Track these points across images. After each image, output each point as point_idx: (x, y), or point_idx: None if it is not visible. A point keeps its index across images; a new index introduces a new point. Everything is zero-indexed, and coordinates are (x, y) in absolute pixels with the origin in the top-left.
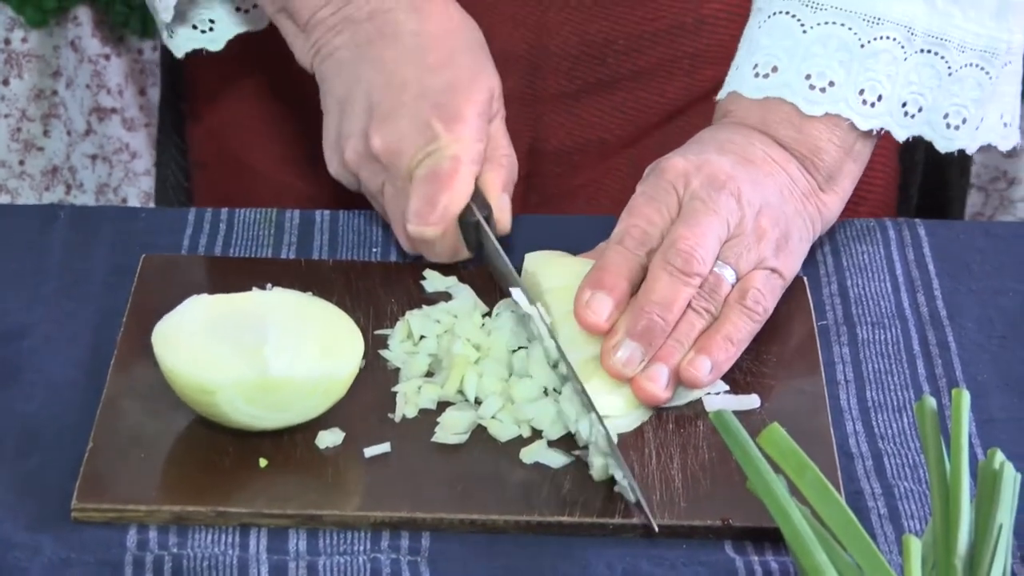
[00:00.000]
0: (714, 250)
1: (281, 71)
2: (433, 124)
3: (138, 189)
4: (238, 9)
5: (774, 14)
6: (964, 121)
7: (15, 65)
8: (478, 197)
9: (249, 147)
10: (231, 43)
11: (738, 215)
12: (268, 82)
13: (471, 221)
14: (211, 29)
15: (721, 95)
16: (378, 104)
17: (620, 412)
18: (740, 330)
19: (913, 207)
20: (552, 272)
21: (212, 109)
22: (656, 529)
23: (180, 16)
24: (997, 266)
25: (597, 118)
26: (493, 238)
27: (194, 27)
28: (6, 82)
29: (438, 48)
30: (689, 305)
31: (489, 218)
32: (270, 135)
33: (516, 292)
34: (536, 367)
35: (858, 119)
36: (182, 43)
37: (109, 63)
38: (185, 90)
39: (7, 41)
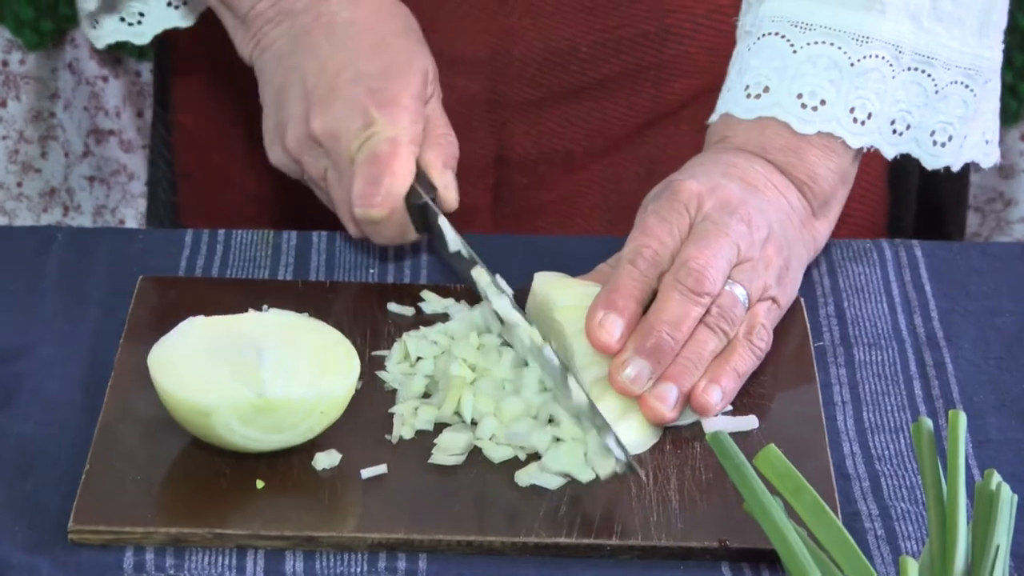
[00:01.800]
0: (724, 271)
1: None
2: (369, 109)
3: (136, 211)
4: (169, 4)
5: (764, 35)
6: (950, 138)
7: (13, 87)
8: (422, 178)
9: (229, 158)
10: (212, 52)
11: (748, 240)
12: (247, 95)
13: (417, 203)
14: (139, 22)
15: (713, 118)
16: (314, 89)
17: (631, 436)
18: (746, 363)
19: (909, 230)
20: (562, 293)
21: (194, 120)
22: (640, 472)
23: (109, 5)
24: (994, 287)
25: (562, 127)
26: (443, 220)
27: (122, 19)
28: (4, 104)
29: (370, 34)
30: (703, 323)
31: (435, 199)
32: (248, 147)
33: (476, 271)
34: (527, 386)
35: (849, 137)
36: (106, 34)
37: (107, 85)
38: (170, 102)
39: (5, 63)
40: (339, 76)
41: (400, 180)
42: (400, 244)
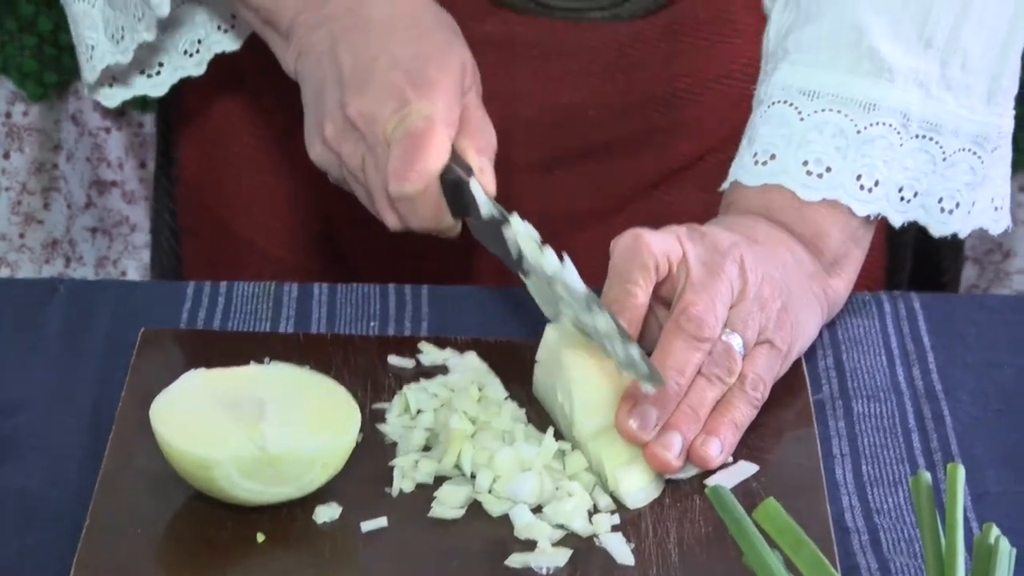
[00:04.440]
0: (722, 316)
1: (269, 139)
2: (405, 90)
3: (138, 262)
4: (185, 52)
5: (773, 104)
6: (957, 205)
7: (16, 138)
8: (457, 159)
9: (235, 215)
10: (220, 111)
11: (740, 282)
12: (256, 152)
13: (452, 179)
14: (158, 73)
15: (724, 186)
16: (350, 77)
17: (636, 486)
18: (744, 414)
19: (905, 282)
20: (571, 343)
21: (199, 176)
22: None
23: (139, 63)
24: (992, 339)
25: (568, 188)
26: (475, 184)
27: (141, 71)
28: (7, 155)
29: (408, 26)
30: (700, 373)
31: (471, 178)
32: (256, 204)
33: (516, 221)
34: (519, 437)
35: (856, 204)
36: (121, 93)
37: (109, 136)
38: (175, 156)
39: (8, 115)
40: (376, 62)
41: (435, 156)
42: (437, 233)
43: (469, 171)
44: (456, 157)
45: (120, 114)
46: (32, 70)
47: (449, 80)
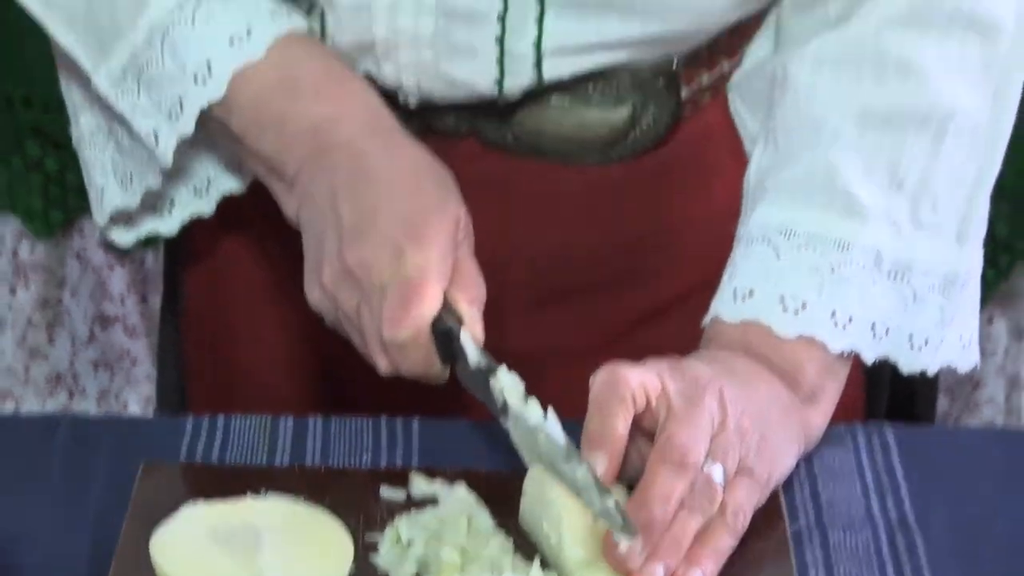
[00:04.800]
0: (706, 445)
1: (271, 282)
2: (402, 242)
3: (139, 395)
4: (196, 190)
5: (753, 242)
6: (926, 342)
7: (22, 276)
8: (449, 309)
9: (239, 350)
10: (226, 252)
11: (720, 414)
12: (258, 294)
13: (443, 328)
14: (170, 212)
15: (705, 321)
16: (350, 227)
17: None
18: (725, 543)
19: (882, 410)
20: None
21: (204, 313)
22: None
23: (150, 203)
24: (964, 471)
25: (557, 325)
26: (465, 335)
27: (153, 208)
28: (13, 291)
29: (407, 181)
30: (683, 504)
31: (461, 328)
32: (258, 340)
33: (502, 373)
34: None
35: (831, 341)
36: (132, 234)
37: (112, 272)
38: (181, 292)
39: (15, 252)
40: (375, 214)
41: (428, 305)
42: (426, 379)
43: (459, 320)
44: (447, 306)
45: (123, 251)
46: (39, 209)
47: (444, 234)
